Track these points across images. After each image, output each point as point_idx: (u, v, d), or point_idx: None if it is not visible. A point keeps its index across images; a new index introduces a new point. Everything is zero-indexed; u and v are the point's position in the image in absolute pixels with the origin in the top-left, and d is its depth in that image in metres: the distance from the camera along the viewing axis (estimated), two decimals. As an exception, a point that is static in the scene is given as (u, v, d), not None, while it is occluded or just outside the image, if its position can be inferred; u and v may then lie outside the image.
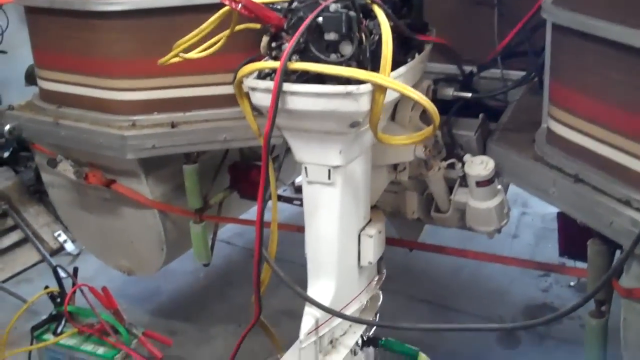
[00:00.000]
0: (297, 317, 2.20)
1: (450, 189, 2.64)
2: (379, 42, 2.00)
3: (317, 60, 1.97)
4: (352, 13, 1.97)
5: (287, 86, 1.98)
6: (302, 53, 2.02)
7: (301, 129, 2.11)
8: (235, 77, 2.11)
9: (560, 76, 2.29)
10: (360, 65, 1.97)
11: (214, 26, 2.23)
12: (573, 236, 2.45)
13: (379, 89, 1.94)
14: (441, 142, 2.56)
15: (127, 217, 3.27)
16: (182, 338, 3.57)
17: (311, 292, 2.20)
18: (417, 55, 2.31)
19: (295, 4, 2.09)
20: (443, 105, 2.36)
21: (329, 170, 2.13)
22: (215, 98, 2.88)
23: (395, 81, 1.95)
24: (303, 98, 1.99)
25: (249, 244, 4.36)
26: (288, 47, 1.96)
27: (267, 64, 2.07)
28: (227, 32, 2.29)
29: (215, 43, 2.34)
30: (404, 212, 2.81)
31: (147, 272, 3.54)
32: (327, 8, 1.98)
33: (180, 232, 3.26)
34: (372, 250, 2.31)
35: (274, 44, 2.12)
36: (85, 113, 2.99)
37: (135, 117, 2.91)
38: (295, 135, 2.14)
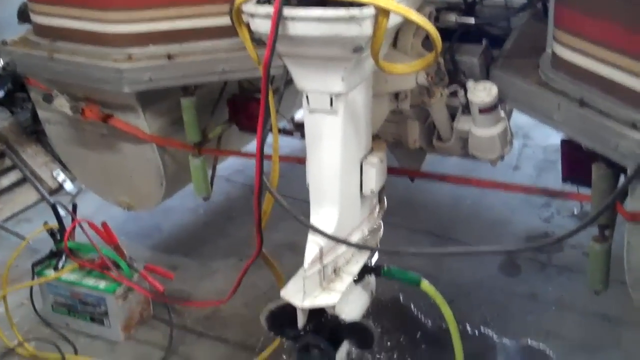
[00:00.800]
0: (299, 250, 2.20)
1: (453, 117, 2.61)
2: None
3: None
4: None
5: (288, 11, 1.92)
6: None
7: (302, 56, 2.07)
8: (232, 4, 2.06)
9: (565, -2, 2.24)
10: None
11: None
12: (577, 162, 2.43)
13: (382, 13, 1.89)
14: (443, 69, 2.52)
15: (125, 153, 3.24)
16: (184, 272, 3.57)
17: (314, 220, 2.19)
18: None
19: None
20: (445, 34, 2.32)
21: (331, 98, 2.10)
22: (212, 29, 2.82)
23: (399, 4, 1.90)
24: (304, 23, 1.94)
25: (249, 180, 4.34)
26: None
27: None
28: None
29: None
30: (405, 141, 2.78)
31: (146, 207, 3.53)
32: None
33: (179, 166, 3.24)
34: (374, 178, 2.29)
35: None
36: (80, 47, 2.93)
37: (131, 50, 2.85)
38: (296, 62, 2.10)
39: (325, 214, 2.19)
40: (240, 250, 3.62)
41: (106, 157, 3.34)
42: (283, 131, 3.35)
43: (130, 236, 3.84)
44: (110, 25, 2.84)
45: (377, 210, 2.47)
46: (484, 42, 2.54)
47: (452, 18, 2.51)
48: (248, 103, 3.14)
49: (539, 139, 4.59)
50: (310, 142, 2.22)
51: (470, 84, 2.42)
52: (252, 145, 3.56)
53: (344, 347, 2.25)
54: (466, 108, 2.50)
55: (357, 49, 1.97)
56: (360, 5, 1.87)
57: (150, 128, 3.07)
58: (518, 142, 4.52)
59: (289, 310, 2.18)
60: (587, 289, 2.47)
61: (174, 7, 2.80)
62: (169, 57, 2.84)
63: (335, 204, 2.19)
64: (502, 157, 2.56)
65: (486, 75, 2.52)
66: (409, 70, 2.12)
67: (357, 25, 1.90)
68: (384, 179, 2.40)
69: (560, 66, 2.27)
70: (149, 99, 3.03)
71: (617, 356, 2.91)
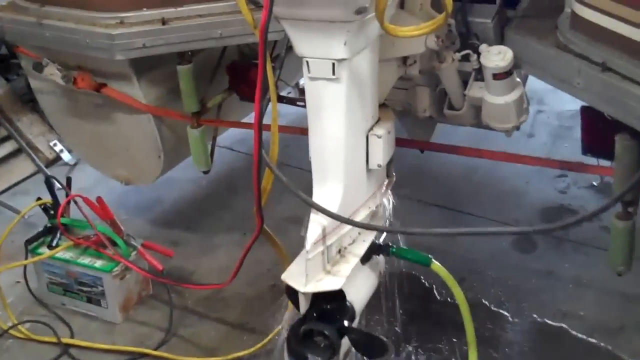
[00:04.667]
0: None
1: (465, 84, 2.43)
2: None
3: None
4: None
5: None
6: None
7: (301, 18, 1.90)
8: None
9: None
10: None
11: None
12: (598, 132, 2.26)
13: None
14: (455, 32, 2.34)
15: (121, 124, 3.10)
16: (184, 248, 3.44)
17: (317, 197, 2.03)
18: None
19: None
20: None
21: (333, 64, 1.93)
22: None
23: None
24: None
25: (252, 150, 4.17)
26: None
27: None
28: None
29: None
30: (414, 110, 2.61)
31: (145, 181, 3.39)
32: None
33: (177, 138, 3.09)
34: (381, 151, 2.12)
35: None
36: (69, 11, 2.78)
37: (123, 14, 2.70)
38: (295, 26, 1.93)
39: (328, 191, 2.03)
40: (244, 224, 3.46)
41: (101, 129, 3.19)
42: (286, 100, 3.19)
43: (129, 210, 3.72)
44: (101, -13, 2.68)
45: (385, 184, 2.31)
46: (498, 1, 2.36)
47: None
48: (248, 70, 2.96)
49: (554, 105, 4.38)
50: (311, 113, 2.05)
51: (483, 47, 2.24)
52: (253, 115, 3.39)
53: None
54: (479, 74, 2.33)
55: (361, 10, 1.80)
56: None
57: (146, 98, 2.92)
58: (532, 108, 4.29)
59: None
60: (606, 266, 2.32)
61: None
62: (164, 21, 2.68)
63: (339, 180, 2.02)
64: (517, 127, 2.39)
65: (501, 37, 2.35)
66: (417, 33, 1.94)
67: (360, -21, 1.74)
68: (392, 152, 2.23)
69: (580, 27, 2.09)
70: (144, 67, 2.87)
71: (637, 337, 2.75)
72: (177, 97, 2.93)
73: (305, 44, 1.95)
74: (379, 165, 2.14)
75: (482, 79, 2.32)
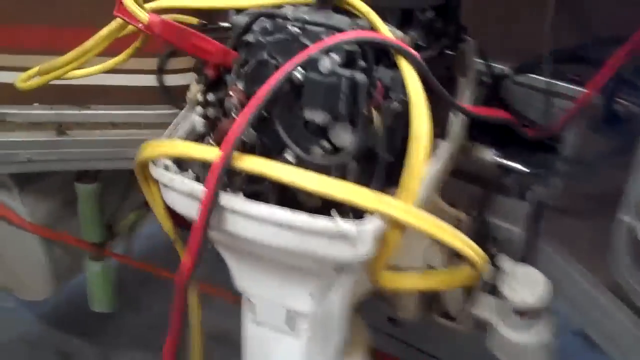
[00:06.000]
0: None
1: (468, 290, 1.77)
2: (399, 115, 1.10)
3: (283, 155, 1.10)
4: (360, 77, 1.05)
5: (229, 200, 1.07)
6: (261, 129, 1.12)
7: (251, 256, 1.21)
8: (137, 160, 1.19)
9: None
10: (365, 167, 1.09)
11: (102, 47, 1.28)
12: None
13: (395, 226, 1.05)
14: (466, 223, 1.67)
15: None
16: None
17: None
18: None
19: (255, 34, 1.16)
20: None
21: (292, 316, 1.25)
22: (128, 90, 1.93)
23: (426, 215, 1.06)
24: (257, 224, 1.09)
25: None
26: (234, 128, 1.04)
27: (191, 148, 1.14)
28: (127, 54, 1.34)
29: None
30: (394, 311, 1.93)
31: (33, 298, 2.61)
32: (313, 62, 1.06)
33: (75, 258, 2.34)
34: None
35: (210, 96, 1.20)
36: None
37: (4, 109, 1.94)
38: (239, 259, 1.25)
39: None
40: (154, 335, 2.70)
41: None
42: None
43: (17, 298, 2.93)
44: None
45: None
46: (532, 195, 1.67)
47: (489, 156, 1.63)
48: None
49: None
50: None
51: (505, 264, 1.57)
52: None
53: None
54: (491, 288, 1.66)
55: (343, 269, 1.13)
56: (358, 215, 1.04)
57: (31, 215, 2.16)
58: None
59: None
60: None
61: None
62: (60, 129, 1.93)
63: None
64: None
65: (529, 249, 1.67)
66: (424, 287, 1.29)
67: (349, 245, 1.05)
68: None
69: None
70: (30, 176, 2.12)
71: None
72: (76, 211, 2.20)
73: (252, 281, 1.27)
74: None
75: (492, 293, 1.65)
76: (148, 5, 1.23)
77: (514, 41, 2.00)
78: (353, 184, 1.04)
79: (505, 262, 1.57)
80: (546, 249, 1.62)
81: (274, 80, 1.04)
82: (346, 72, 1.04)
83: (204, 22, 1.51)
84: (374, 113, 1.10)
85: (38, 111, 1.94)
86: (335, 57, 1.05)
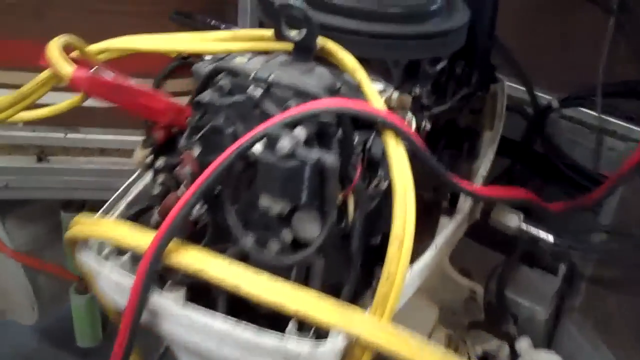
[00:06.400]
0: None
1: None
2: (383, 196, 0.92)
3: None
4: (329, 160, 0.83)
5: (161, 302, 0.87)
6: (214, 208, 0.91)
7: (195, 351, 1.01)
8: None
9: None
10: (339, 260, 0.90)
11: (41, 93, 1.08)
12: None
13: (365, 345, 0.84)
14: (480, 303, 1.43)
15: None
16: None
17: None
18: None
19: (212, 93, 0.95)
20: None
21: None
22: (119, 113, 1.73)
23: (404, 336, 0.85)
24: (193, 332, 0.88)
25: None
26: (172, 214, 0.84)
27: (122, 232, 0.93)
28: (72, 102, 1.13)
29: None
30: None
31: (25, 322, 2.43)
32: (272, 139, 0.85)
33: (60, 285, 2.16)
34: None
35: (159, 162, 1.00)
36: None
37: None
38: (183, 352, 1.04)
39: None
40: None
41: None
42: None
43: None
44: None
45: None
46: (562, 269, 1.42)
47: (514, 222, 1.38)
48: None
49: None
50: None
51: (524, 348, 1.34)
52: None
53: None
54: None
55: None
56: (315, 332, 0.84)
57: (13, 242, 1.99)
58: None
59: None
60: None
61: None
62: (41, 155, 1.75)
63: None
64: None
65: (554, 327, 1.43)
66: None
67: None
68: None
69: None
70: (12, 202, 1.94)
71: None
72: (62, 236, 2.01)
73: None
74: None
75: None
76: (93, 47, 1.04)
77: (565, 71, 1.78)
78: (312, 294, 0.83)
79: (525, 347, 1.34)
80: (574, 333, 1.37)
81: (224, 157, 0.83)
82: (311, 154, 0.82)
83: (183, 56, 1.31)
84: (350, 198, 0.89)
85: (20, 133, 1.76)
86: (301, 132, 0.84)
